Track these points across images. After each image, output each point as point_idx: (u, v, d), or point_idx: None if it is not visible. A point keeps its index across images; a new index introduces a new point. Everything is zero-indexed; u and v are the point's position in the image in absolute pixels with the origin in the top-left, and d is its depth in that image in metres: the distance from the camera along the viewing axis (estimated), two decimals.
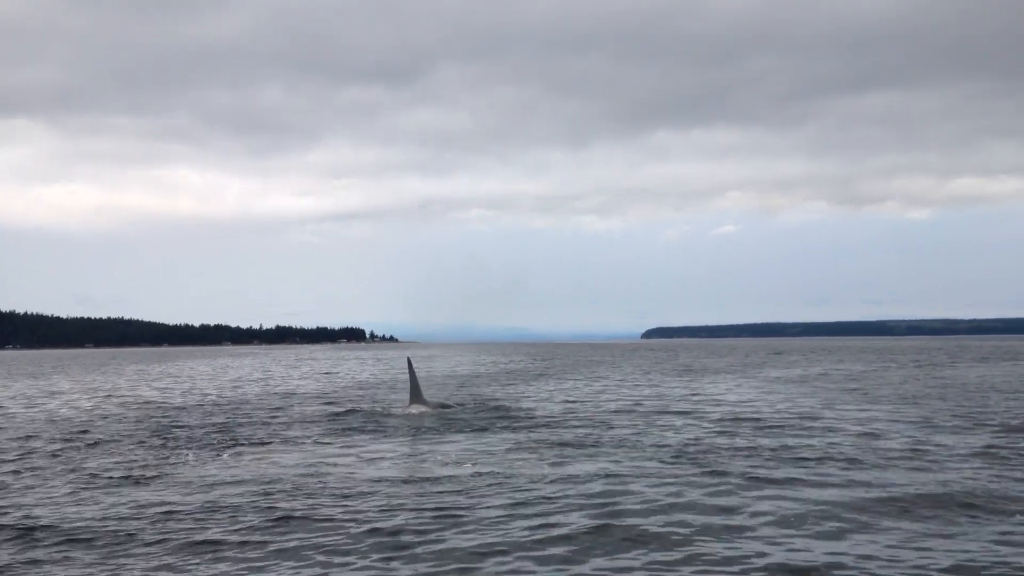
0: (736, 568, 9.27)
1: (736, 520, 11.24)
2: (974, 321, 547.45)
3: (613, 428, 21.71)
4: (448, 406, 27.43)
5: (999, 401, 28.47)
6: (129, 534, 11.06)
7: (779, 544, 10.10)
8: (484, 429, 21.81)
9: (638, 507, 12.08)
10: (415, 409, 25.54)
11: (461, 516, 11.68)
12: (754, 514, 11.52)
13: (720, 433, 20.36)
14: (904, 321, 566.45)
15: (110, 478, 15.29)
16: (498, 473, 14.92)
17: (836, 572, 9.09)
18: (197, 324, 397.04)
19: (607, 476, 14.45)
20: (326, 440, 20.21)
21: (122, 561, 9.92)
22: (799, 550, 9.86)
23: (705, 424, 22.44)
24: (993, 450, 17.05)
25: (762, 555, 9.68)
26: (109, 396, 38.66)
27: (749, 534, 10.58)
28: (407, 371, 28.11)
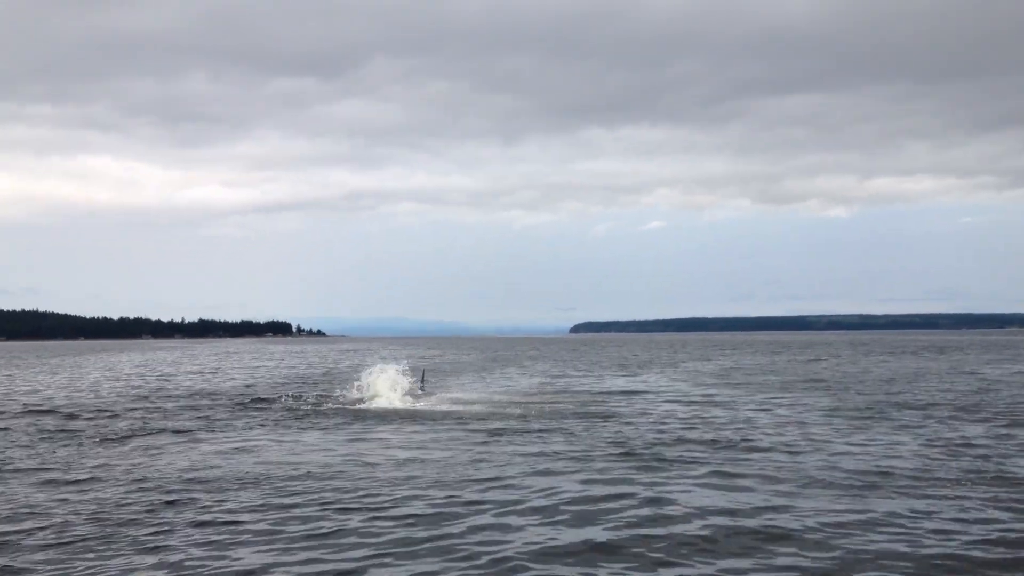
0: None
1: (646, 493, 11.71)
2: (889, 316, 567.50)
3: (561, 419, 22.18)
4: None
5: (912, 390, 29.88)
6: (57, 530, 10.91)
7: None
8: (436, 419, 22.15)
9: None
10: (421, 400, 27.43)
11: (382, 503, 11.88)
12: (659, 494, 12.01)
13: (656, 426, 21.04)
14: (824, 316, 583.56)
15: (28, 472, 14.96)
16: (434, 460, 15.17)
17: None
18: (116, 317, 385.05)
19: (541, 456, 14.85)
20: (263, 428, 20.12)
21: (61, 557, 9.79)
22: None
23: (643, 418, 23.10)
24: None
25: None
26: (32, 391, 37.42)
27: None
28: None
